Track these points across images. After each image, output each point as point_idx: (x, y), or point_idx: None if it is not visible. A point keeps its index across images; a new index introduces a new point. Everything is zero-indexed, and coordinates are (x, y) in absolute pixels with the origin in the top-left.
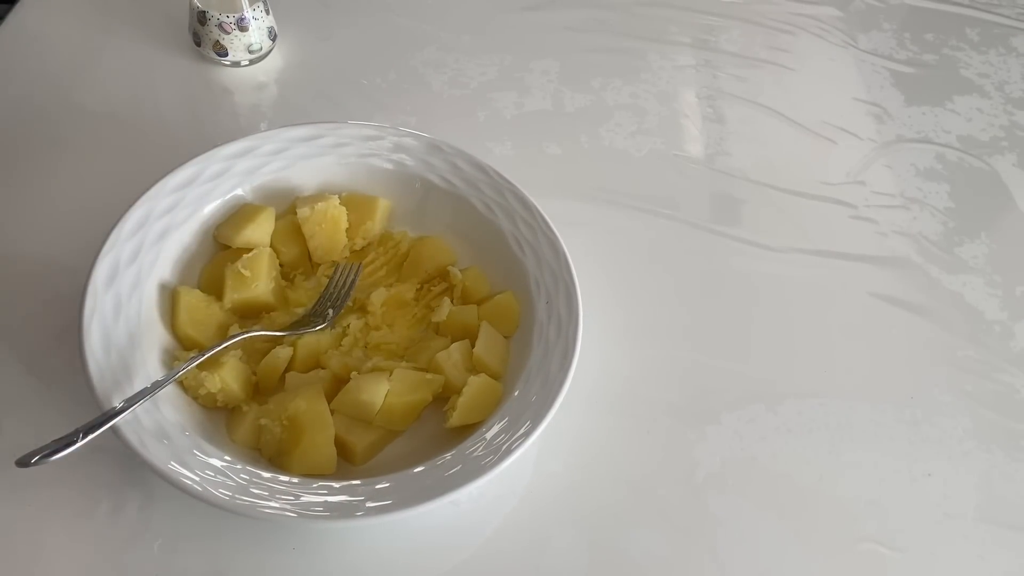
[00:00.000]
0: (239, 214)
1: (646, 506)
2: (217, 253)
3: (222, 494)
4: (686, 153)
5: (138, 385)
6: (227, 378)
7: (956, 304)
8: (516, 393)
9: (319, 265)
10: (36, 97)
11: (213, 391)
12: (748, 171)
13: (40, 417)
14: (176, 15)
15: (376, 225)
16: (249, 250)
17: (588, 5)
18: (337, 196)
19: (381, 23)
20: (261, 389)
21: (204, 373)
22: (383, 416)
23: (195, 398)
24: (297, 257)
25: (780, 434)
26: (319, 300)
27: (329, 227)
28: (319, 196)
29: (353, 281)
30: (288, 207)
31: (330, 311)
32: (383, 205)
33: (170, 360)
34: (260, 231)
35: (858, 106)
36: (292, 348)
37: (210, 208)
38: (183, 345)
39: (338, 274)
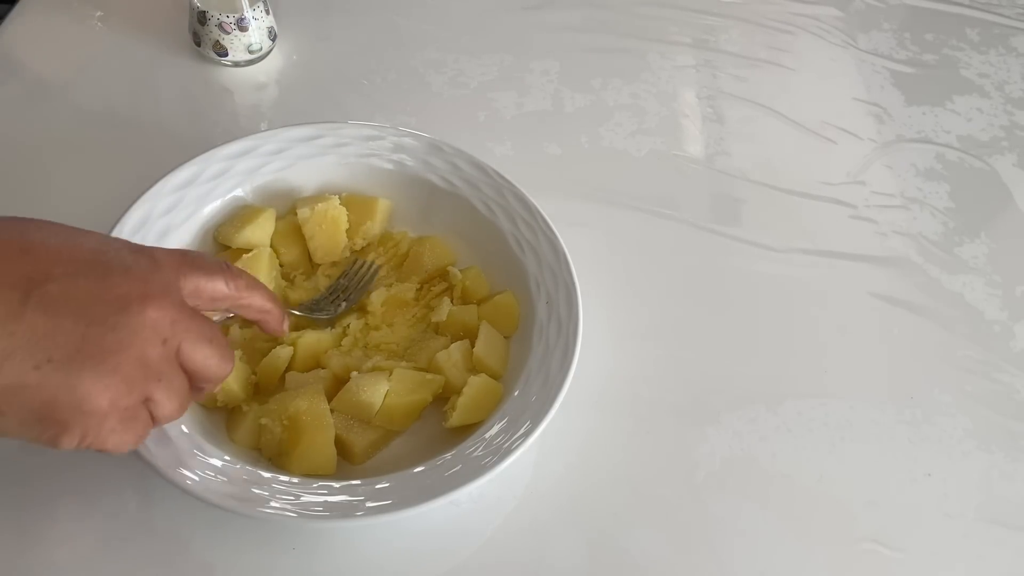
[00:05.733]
0: (239, 215)
1: (646, 506)
2: (217, 253)
3: (222, 494)
4: (686, 153)
5: None
6: (227, 378)
7: (956, 304)
8: (516, 393)
9: (319, 265)
10: (36, 97)
11: (213, 391)
12: (748, 171)
13: None
14: (176, 15)
15: (376, 225)
16: (249, 250)
17: (588, 5)
18: (337, 196)
19: (381, 23)
20: (261, 389)
21: None
22: (383, 416)
23: None
24: (297, 258)
25: (780, 434)
26: (333, 286)
27: (329, 227)
28: (319, 197)
29: (369, 280)
30: (288, 207)
31: (343, 304)
32: (383, 205)
33: None
34: (260, 232)
35: (858, 106)
36: (292, 348)
37: (210, 208)
38: None
39: (357, 267)
